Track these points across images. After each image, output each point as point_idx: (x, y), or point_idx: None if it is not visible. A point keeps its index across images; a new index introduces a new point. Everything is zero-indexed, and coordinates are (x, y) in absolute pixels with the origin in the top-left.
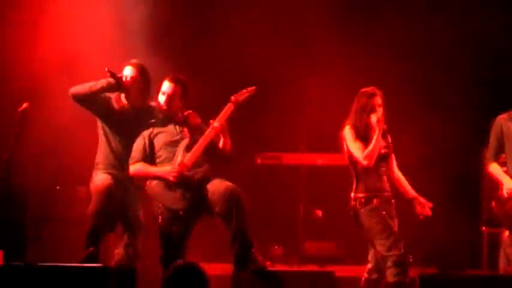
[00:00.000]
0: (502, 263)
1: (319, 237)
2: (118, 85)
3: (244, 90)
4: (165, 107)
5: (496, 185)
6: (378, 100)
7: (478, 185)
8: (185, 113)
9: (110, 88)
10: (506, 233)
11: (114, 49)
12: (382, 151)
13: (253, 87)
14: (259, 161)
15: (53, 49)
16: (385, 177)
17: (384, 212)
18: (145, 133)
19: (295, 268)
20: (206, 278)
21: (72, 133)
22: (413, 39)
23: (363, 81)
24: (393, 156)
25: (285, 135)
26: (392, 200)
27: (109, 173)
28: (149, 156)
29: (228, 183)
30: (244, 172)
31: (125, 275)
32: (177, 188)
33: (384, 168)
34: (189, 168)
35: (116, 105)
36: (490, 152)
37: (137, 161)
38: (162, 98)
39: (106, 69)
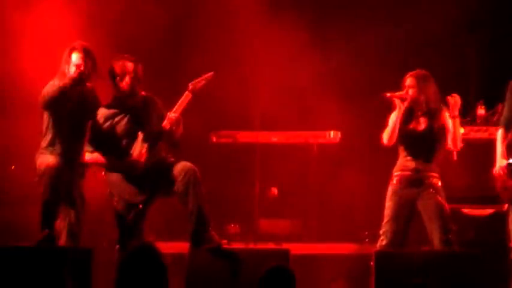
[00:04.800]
0: None
1: (275, 215)
2: (81, 79)
3: (201, 78)
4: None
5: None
6: (406, 81)
7: None
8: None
9: (75, 84)
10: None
11: None
12: (421, 134)
13: (211, 74)
14: (214, 139)
15: None
16: (423, 159)
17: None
18: (101, 120)
19: (251, 246)
20: (162, 260)
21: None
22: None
23: (316, 59)
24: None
25: (240, 113)
26: (426, 181)
27: (55, 154)
28: (106, 145)
29: (185, 162)
30: (199, 151)
31: (81, 255)
32: (134, 180)
33: (425, 151)
34: (147, 160)
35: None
36: (502, 115)
37: (94, 150)
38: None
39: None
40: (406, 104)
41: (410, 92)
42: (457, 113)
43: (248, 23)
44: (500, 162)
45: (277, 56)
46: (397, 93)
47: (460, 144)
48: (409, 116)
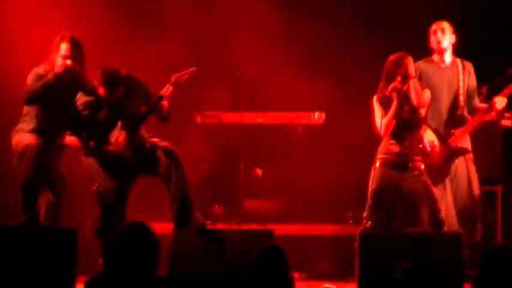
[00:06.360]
0: None
1: (259, 196)
2: (66, 73)
3: (184, 72)
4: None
5: None
6: (400, 69)
7: None
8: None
9: (59, 79)
10: None
11: None
12: (404, 118)
13: (194, 68)
14: (199, 120)
15: None
16: (407, 143)
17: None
18: (80, 107)
19: (236, 227)
20: (156, 238)
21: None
22: None
23: (301, 39)
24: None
25: (224, 93)
26: (411, 164)
27: (34, 133)
28: (85, 131)
29: (166, 144)
30: (184, 131)
31: (66, 235)
32: (110, 166)
33: (408, 135)
34: (125, 146)
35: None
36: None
37: (72, 134)
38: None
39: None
40: (401, 93)
41: (399, 80)
42: (413, 74)
43: (231, 2)
44: (430, 135)
45: (263, 36)
46: (392, 86)
47: (422, 100)
48: (392, 100)
